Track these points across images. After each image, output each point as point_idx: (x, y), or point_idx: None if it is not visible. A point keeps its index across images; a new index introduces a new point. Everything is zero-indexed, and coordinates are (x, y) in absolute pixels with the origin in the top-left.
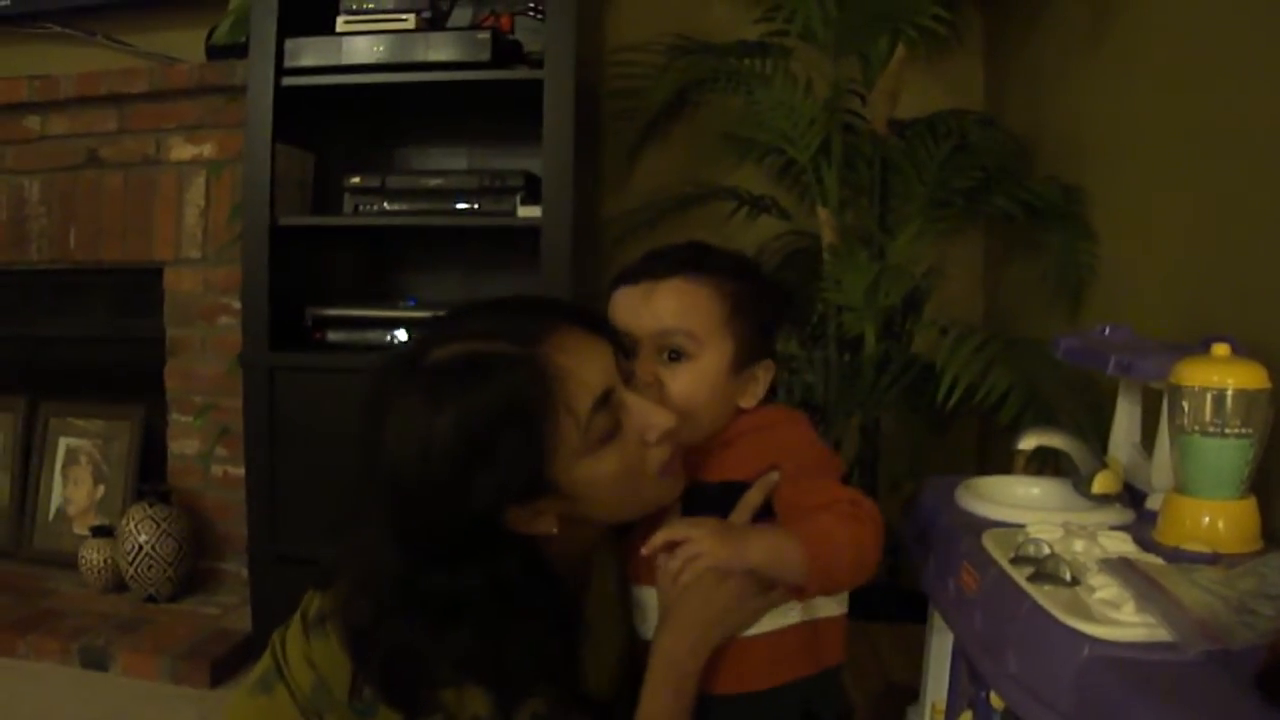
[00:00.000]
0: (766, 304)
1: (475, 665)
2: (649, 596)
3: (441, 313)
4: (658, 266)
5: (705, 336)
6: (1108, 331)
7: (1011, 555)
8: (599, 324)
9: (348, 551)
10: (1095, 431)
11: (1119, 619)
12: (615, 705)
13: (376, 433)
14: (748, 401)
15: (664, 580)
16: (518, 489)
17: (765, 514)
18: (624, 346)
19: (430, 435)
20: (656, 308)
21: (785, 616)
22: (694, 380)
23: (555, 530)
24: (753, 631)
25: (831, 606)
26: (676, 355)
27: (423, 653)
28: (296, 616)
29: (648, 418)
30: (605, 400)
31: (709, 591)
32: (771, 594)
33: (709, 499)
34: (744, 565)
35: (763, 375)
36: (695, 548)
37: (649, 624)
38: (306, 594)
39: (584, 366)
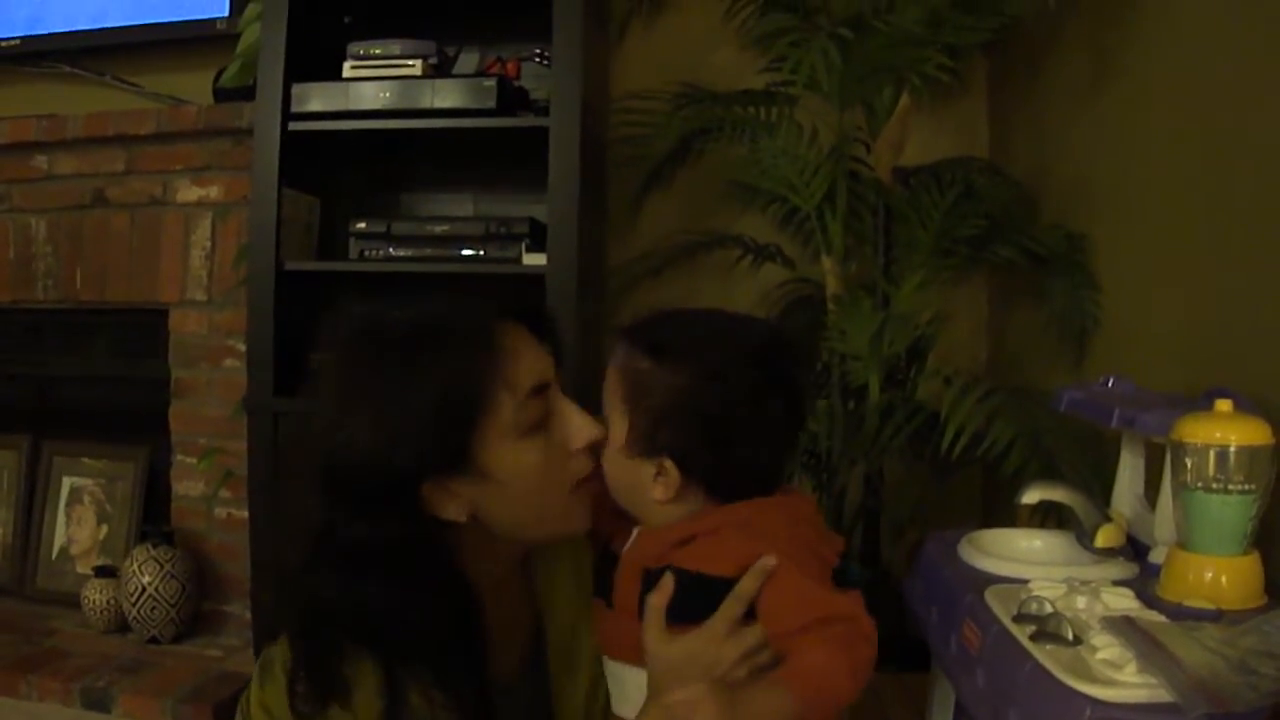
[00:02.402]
0: (679, 399)
1: (371, 627)
2: (630, 674)
3: None
4: (625, 327)
5: (608, 409)
6: (1111, 383)
7: (1014, 613)
8: (544, 333)
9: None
10: (1099, 483)
11: (1121, 680)
12: (519, 688)
13: (324, 393)
14: (657, 494)
15: None
16: (443, 455)
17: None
18: (560, 357)
19: (373, 394)
20: None
21: None
22: (604, 449)
23: (463, 519)
24: None
25: None
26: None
27: (330, 607)
28: (255, 670)
29: (575, 425)
30: (540, 391)
31: (695, 680)
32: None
33: (685, 588)
34: None
35: (670, 470)
36: (695, 714)
37: (629, 702)
38: (263, 649)
39: (527, 353)
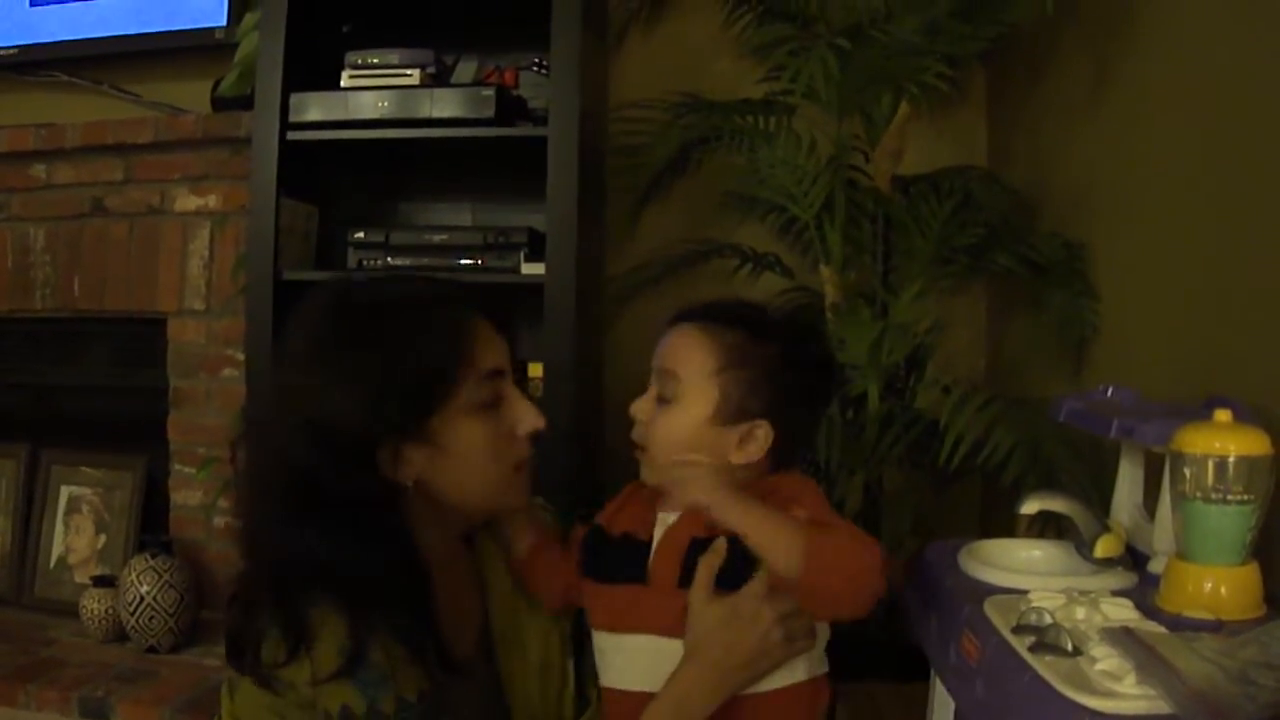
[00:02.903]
0: (775, 365)
1: (339, 577)
2: (657, 645)
3: None
4: (689, 310)
5: (689, 383)
6: (1110, 392)
7: (1013, 624)
8: (505, 325)
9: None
10: (1098, 492)
11: (1120, 691)
12: (473, 668)
13: (301, 358)
14: (738, 458)
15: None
16: (404, 419)
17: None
18: (515, 351)
19: (350, 359)
20: (663, 348)
21: (793, 674)
22: (670, 425)
23: (409, 483)
24: (763, 688)
25: (823, 663)
26: (664, 398)
27: (303, 557)
28: (223, 689)
29: (522, 412)
30: (497, 375)
31: (734, 639)
32: (793, 645)
33: (734, 555)
34: (734, 526)
35: (761, 436)
36: (700, 483)
37: (648, 674)
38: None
39: (490, 339)
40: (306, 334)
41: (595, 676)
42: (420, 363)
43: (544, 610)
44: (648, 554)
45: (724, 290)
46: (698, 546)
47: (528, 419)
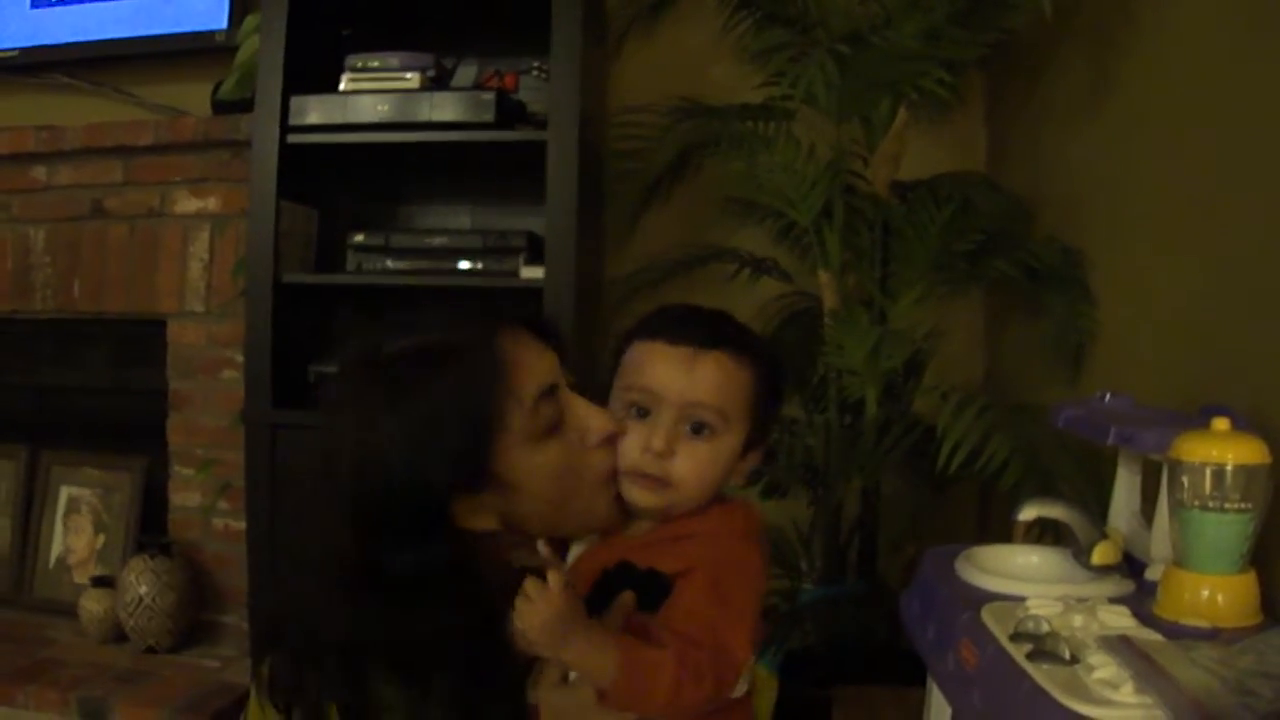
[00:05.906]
0: (771, 387)
1: (413, 656)
2: None
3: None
4: (699, 334)
5: (733, 418)
6: (1108, 398)
7: (1011, 631)
8: (547, 332)
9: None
10: (1096, 499)
11: (1118, 700)
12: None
13: (336, 425)
14: (736, 480)
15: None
16: (465, 473)
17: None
18: (567, 357)
19: (388, 421)
20: (697, 378)
21: None
22: (710, 458)
23: (495, 526)
24: None
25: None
26: (700, 429)
27: (371, 641)
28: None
29: (588, 420)
30: (550, 393)
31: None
32: None
33: (631, 581)
34: (556, 658)
35: (753, 460)
36: (525, 624)
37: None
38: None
39: (532, 358)
40: (342, 403)
41: None
42: (454, 414)
43: None
44: None
45: (722, 295)
46: (608, 578)
47: (595, 425)
